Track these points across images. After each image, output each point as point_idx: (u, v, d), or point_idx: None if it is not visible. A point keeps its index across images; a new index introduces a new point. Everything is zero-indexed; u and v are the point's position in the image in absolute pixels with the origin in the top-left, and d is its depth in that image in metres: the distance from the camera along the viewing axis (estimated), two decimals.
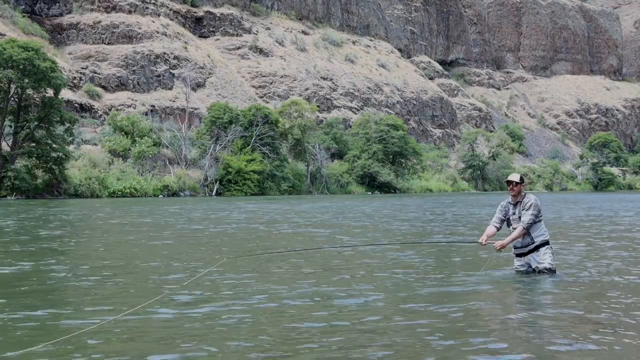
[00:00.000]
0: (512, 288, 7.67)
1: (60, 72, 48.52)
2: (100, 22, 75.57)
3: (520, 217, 8.22)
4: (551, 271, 8.19)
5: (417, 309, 6.28)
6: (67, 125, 46.10)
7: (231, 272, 8.59)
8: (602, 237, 14.59)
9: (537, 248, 8.25)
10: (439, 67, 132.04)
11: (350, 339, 5.11)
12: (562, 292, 7.34)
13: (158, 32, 78.76)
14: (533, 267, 8.28)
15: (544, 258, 8.22)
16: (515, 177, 8.34)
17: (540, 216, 8.29)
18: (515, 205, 8.35)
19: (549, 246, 8.32)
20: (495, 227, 8.41)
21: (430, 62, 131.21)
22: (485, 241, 8.23)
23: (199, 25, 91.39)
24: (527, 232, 8.12)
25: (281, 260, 9.92)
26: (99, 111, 64.82)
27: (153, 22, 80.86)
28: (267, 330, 5.42)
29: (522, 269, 8.40)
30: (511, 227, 8.37)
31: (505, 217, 8.44)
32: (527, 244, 8.26)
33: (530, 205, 8.13)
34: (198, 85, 75.63)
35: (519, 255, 8.43)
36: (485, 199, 46.44)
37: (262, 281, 7.92)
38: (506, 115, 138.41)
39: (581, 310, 6.25)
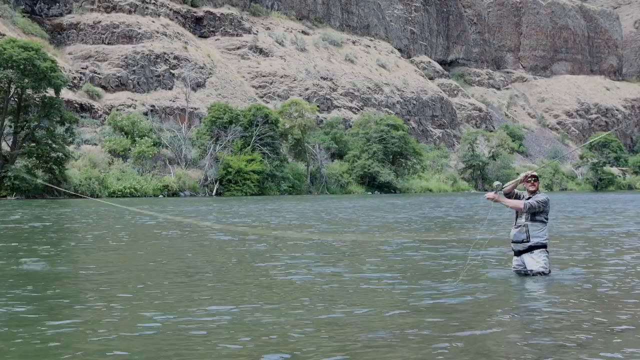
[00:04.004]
0: (509, 289, 7.67)
1: (60, 72, 48.52)
2: (100, 22, 75.56)
3: None
4: (544, 274, 8.18)
5: (413, 311, 6.29)
6: (67, 125, 46.11)
7: None
8: (599, 237, 14.60)
9: (531, 249, 8.24)
10: (439, 67, 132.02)
11: (349, 345, 5.12)
12: (560, 292, 7.35)
13: (158, 32, 78.76)
14: (528, 268, 8.28)
15: (537, 261, 8.21)
16: (534, 172, 8.55)
17: (545, 219, 8.27)
18: (528, 199, 8.40)
19: (544, 249, 8.29)
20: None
21: (430, 62, 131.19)
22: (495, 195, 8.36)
23: (199, 25, 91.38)
24: (523, 209, 8.17)
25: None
26: (99, 111, 64.84)
27: (153, 22, 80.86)
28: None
29: (519, 268, 8.41)
30: (519, 217, 8.40)
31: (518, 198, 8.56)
32: (522, 240, 8.24)
33: (542, 200, 8.22)
34: (198, 85, 75.61)
35: (516, 253, 8.44)
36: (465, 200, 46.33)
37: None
38: (506, 115, 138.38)
39: (578, 311, 6.26)
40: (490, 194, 8.28)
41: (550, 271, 8.28)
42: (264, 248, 12.05)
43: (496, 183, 8.59)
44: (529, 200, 8.19)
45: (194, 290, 7.38)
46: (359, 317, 5.89)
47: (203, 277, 8.44)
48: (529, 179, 8.40)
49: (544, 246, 8.27)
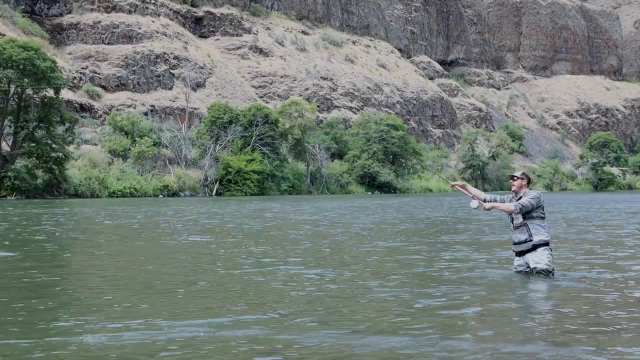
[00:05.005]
0: (509, 289, 7.66)
1: (60, 72, 48.57)
2: (100, 22, 75.60)
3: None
4: (548, 272, 8.15)
5: (409, 312, 6.28)
6: (67, 125, 46.16)
7: None
8: (599, 238, 14.59)
9: (535, 248, 8.22)
10: (439, 67, 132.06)
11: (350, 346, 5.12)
12: (560, 293, 7.34)
13: (158, 32, 78.79)
14: (531, 267, 8.26)
15: (541, 259, 8.18)
16: (516, 172, 8.60)
17: (542, 213, 8.25)
18: (518, 200, 8.40)
19: (548, 247, 8.26)
20: (485, 195, 8.65)
21: (430, 62, 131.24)
22: (459, 186, 8.63)
23: (199, 25, 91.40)
24: (517, 211, 8.16)
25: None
26: (99, 111, 64.87)
27: (153, 22, 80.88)
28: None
29: (521, 268, 8.38)
30: (515, 219, 8.36)
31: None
32: (525, 240, 8.22)
33: (533, 196, 8.21)
34: (198, 85, 75.64)
35: (518, 254, 8.42)
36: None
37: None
38: (506, 115, 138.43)
39: (577, 312, 6.26)
40: (487, 206, 8.30)
41: (554, 269, 8.27)
42: (239, 251, 12.05)
43: (474, 204, 8.46)
44: (521, 201, 8.19)
45: (166, 299, 6.91)
46: (353, 319, 5.89)
47: (173, 285, 8.42)
48: (510, 178, 8.51)
49: (546, 244, 8.26)
